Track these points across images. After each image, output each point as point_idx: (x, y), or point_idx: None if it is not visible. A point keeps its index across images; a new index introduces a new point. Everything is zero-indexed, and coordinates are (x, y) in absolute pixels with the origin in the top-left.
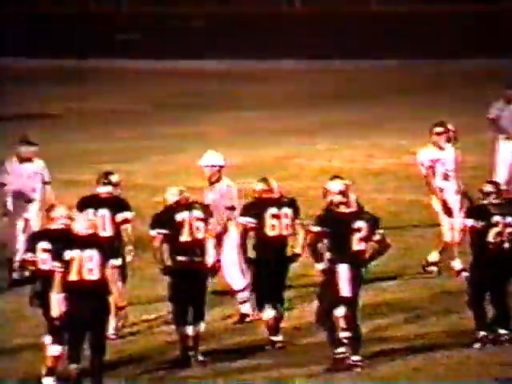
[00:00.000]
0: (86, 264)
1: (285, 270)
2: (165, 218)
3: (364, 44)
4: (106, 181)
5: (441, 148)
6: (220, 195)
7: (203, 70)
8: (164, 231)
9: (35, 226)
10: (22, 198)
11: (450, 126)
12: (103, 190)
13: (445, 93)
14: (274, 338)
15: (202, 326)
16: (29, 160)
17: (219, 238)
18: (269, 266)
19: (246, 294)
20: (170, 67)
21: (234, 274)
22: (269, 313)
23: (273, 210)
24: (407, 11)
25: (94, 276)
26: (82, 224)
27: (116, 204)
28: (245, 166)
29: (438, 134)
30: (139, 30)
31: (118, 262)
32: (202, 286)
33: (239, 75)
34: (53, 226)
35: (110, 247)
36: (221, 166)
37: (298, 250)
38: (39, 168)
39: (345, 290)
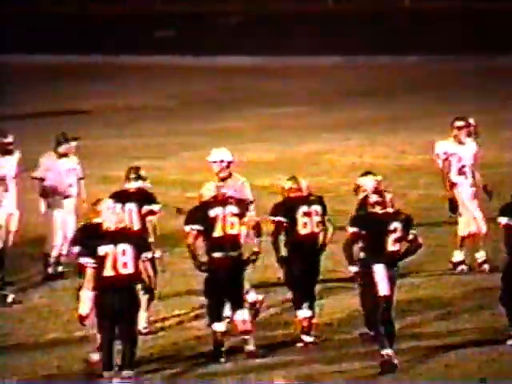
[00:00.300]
0: (120, 258)
1: (317, 268)
2: (199, 214)
3: (395, 40)
4: (133, 176)
5: (460, 142)
6: (233, 191)
7: (234, 67)
8: (197, 227)
9: (72, 221)
10: (59, 194)
11: (471, 121)
12: (132, 186)
13: (476, 88)
14: (307, 339)
15: (246, 313)
16: (65, 156)
17: (257, 231)
18: (302, 265)
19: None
20: (201, 64)
21: None
22: (305, 313)
23: (304, 208)
24: (436, 7)
25: (129, 270)
26: (111, 219)
27: (143, 197)
28: (275, 163)
29: (459, 128)
30: (173, 27)
31: (149, 254)
32: (238, 279)
33: (270, 71)
34: (98, 220)
35: (141, 240)
36: (229, 162)
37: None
38: (75, 164)
39: (383, 289)
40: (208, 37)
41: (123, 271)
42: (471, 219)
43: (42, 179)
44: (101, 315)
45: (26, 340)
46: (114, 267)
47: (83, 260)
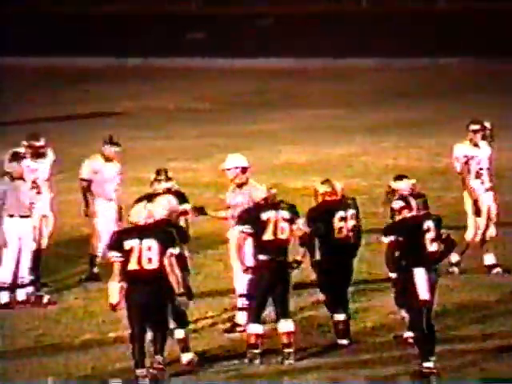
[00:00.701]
0: (145, 253)
1: (350, 271)
2: (251, 216)
3: (431, 42)
4: (162, 177)
5: (476, 145)
6: (249, 197)
7: (268, 68)
8: (248, 229)
9: (112, 224)
10: (103, 197)
11: (486, 124)
12: (162, 187)
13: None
14: (342, 341)
15: (291, 324)
16: (112, 160)
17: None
18: (336, 268)
19: (246, 302)
20: (235, 66)
21: (242, 277)
22: (339, 316)
23: (341, 213)
24: (469, 8)
25: (153, 265)
26: (139, 214)
27: (174, 196)
28: (309, 165)
29: (474, 131)
30: (206, 29)
31: (175, 250)
32: (283, 284)
33: (304, 73)
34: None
35: (167, 236)
36: (244, 168)
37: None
38: (119, 169)
39: (423, 293)
40: (241, 39)
41: (148, 266)
42: (482, 224)
43: (89, 181)
44: (129, 307)
45: (62, 340)
46: (139, 262)
47: (110, 254)
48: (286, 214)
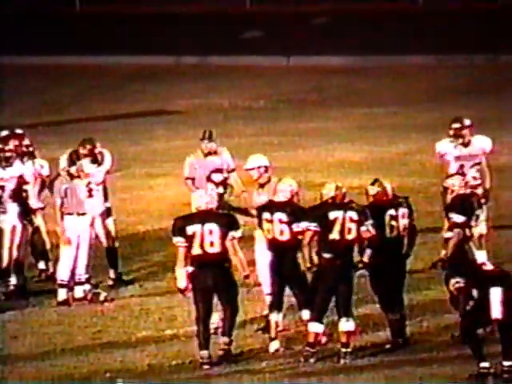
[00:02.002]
0: (207, 237)
1: (403, 271)
2: (318, 214)
3: (486, 39)
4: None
5: (457, 142)
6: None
7: (323, 67)
8: (315, 227)
9: None
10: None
11: (466, 122)
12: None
13: None
14: (397, 340)
15: (352, 324)
16: (214, 153)
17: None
18: (389, 268)
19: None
20: (290, 64)
21: (265, 276)
22: (394, 315)
23: (391, 212)
24: None
25: (216, 249)
26: (202, 199)
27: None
28: (365, 163)
29: (455, 129)
30: (262, 28)
31: (237, 233)
32: (346, 284)
33: (360, 71)
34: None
35: (229, 220)
36: (266, 167)
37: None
38: (225, 158)
39: (496, 312)
40: (297, 37)
41: (210, 250)
42: None
43: (193, 178)
44: (195, 291)
45: (118, 337)
46: (202, 246)
47: (174, 240)
48: (354, 214)
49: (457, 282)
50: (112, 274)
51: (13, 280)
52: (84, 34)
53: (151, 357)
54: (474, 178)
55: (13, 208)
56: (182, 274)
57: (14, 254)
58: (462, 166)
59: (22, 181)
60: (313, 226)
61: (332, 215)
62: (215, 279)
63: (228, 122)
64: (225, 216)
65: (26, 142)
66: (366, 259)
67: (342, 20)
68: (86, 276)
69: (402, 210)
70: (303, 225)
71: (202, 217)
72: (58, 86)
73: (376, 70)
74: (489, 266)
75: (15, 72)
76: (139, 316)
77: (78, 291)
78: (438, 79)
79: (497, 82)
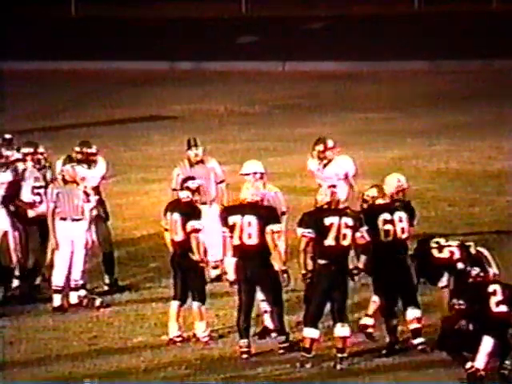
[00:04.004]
0: (246, 229)
1: (407, 273)
2: (313, 220)
3: (482, 44)
4: None
5: (320, 163)
6: (266, 201)
7: (319, 72)
8: (310, 233)
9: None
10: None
11: (330, 143)
12: None
13: None
14: (416, 341)
15: (347, 330)
16: (201, 162)
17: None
18: (387, 271)
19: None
20: (286, 69)
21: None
22: (413, 313)
23: (385, 216)
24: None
25: (253, 241)
26: (248, 191)
27: None
28: (360, 168)
29: (318, 151)
30: (257, 33)
31: (276, 227)
32: (341, 290)
33: (355, 77)
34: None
35: (268, 213)
36: (262, 173)
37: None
38: (212, 168)
39: (480, 361)
40: (292, 42)
41: (248, 241)
42: None
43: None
44: (238, 280)
45: (114, 343)
46: (240, 237)
47: (221, 229)
48: (349, 220)
49: (459, 304)
50: (108, 279)
51: (15, 283)
52: (79, 39)
53: (147, 362)
54: None
55: (4, 213)
56: (228, 264)
57: (14, 258)
58: (319, 186)
59: (15, 187)
60: (307, 233)
61: (327, 221)
62: (254, 270)
63: (224, 127)
64: (265, 209)
65: (41, 149)
66: (360, 265)
67: (338, 25)
68: (82, 281)
69: (399, 214)
70: (299, 231)
71: (244, 208)
72: (53, 92)
73: (371, 76)
74: (502, 308)
75: (11, 77)
76: (135, 322)
77: (73, 297)
78: (434, 84)
79: (493, 87)
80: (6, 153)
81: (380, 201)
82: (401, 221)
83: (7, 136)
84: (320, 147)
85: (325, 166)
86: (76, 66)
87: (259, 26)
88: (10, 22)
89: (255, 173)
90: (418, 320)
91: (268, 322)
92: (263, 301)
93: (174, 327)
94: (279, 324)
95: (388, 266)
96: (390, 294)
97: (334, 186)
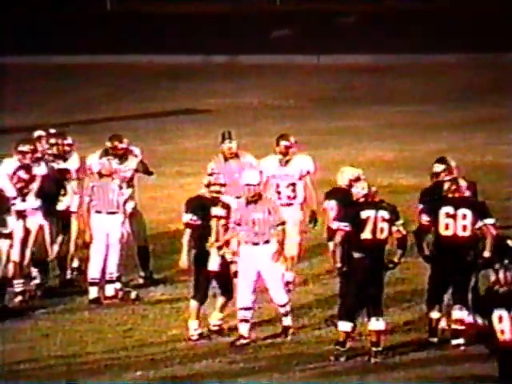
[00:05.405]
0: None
1: (464, 272)
2: (350, 213)
3: None
4: None
5: (282, 161)
6: (268, 213)
7: (352, 65)
8: (346, 227)
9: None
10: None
11: (292, 140)
12: None
13: None
14: (455, 342)
15: (382, 324)
16: (236, 156)
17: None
18: (446, 266)
19: (288, 308)
20: (319, 63)
21: (279, 287)
22: (434, 314)
23: (448, 209)
24: None
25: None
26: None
27: None
28: (395, 162)
29: (285, 146)
30: (292, 27)
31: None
32: (376, 283)
33: (389, 70)
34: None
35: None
36: (258, 184)
37: (486, 254)
38: (247, 163)
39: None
40: (326, 35)
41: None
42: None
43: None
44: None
45: (149, 336)
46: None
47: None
48: (385, 214)
49: None
50: (143, 272)
51: (37, 280)
52: (115, 33)
53: (182, 355)
54: (289, 197)
55: (40, 207)
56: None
57: (50, 251)
58: (277, 185)
59: (48, 179)
60: (343, 226)
61: (364, 214)
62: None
63: (257, 120)
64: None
65: (69, 141)
66: (396, 259)
67: (373, 18)
68: (117, 274)
69: (464, 211)
70: (335, 225)
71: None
72: (89, 85)
73: (406, 68)
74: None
75: (48, 71)
76: (169, 315)
77: (109, 289)
78: (470, 77)
79: None
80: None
81: (447, 178)
82: (464, 218)
83: (52, 131)
84: (286, 142)
85: (286, 162)
86: (111, 60)
87: (294, 19)
88: (47, 16)
89: (258, 184)
90: (462, 322)
91: (242, 330)
92: (241, 309)
93: (218, 316)
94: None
95: (446, 260)
96: (440, 287)
97: (293, 185)
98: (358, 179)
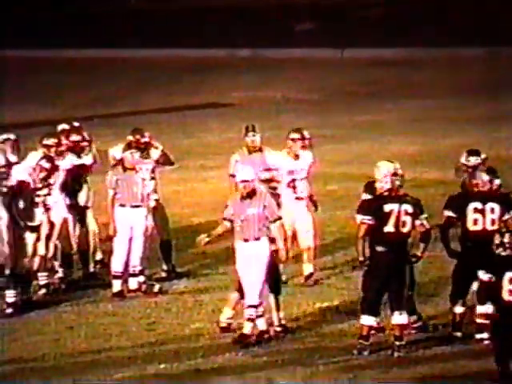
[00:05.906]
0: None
1: (490, 267)
2: (373, 207)
3: None
4: None
5: (295, 155)
6: (263, 207)
7: (377, 59)
8: (370, 220)
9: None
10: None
11: (305, 134)
12: None
13: None
14: (479, 336)
15: (405, 317)
16: (259, 150)
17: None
18: (471, 261)
19: (260, 310)
20: (343, 56)
21: (255, 288)
22: (458, 309)
23: (476, 204)
24: None
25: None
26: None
27: None
28: (418, 155)
29: (294, 140)
30: (315, 20)
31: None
32: (399, 277)
33: (413, 63)
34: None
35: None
36: (252, 180)
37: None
38: (269, 157)
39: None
40: (350, 29)
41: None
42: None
43: (232, 175)
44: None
45: (172, 329)
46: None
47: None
48: (409, 207)
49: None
50: (166, 266)
51: (60, 273)
52: (138, 28)
53: (205, 349)
54: (302, 191)
55: (63, 200)
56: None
57: (60, 246)
58: (293, 180)
59: (71, 173)
60: (367, 219)
61: (387, 208)
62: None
63: (281, 114)
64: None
65: (85, 136)
66: (419, 253)
67: (396, 12)
68: (140, 268)
69: (492, 205)
70: (358, 218)
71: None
72: (113, 79)
73: (430, 62)
74: None
75: (73, 65)
76: (193, 308)
77: (133, 283)
78: (494, 71)
79: None
80: (68, 140)
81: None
82: (492, 212)
83: (76, 124)
84: (298, 135)
85: (297, 156)
86: (135, 54)
87: (318, 13)
88: (69, 11)
89: (253, 180)
90: (487, 316)
91: (246, 329)
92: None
93: (228, 313)
94: (411, 305)
95: (473, 255)
96: (465, 281)
97: (293, 181)
98: (395, 174)
